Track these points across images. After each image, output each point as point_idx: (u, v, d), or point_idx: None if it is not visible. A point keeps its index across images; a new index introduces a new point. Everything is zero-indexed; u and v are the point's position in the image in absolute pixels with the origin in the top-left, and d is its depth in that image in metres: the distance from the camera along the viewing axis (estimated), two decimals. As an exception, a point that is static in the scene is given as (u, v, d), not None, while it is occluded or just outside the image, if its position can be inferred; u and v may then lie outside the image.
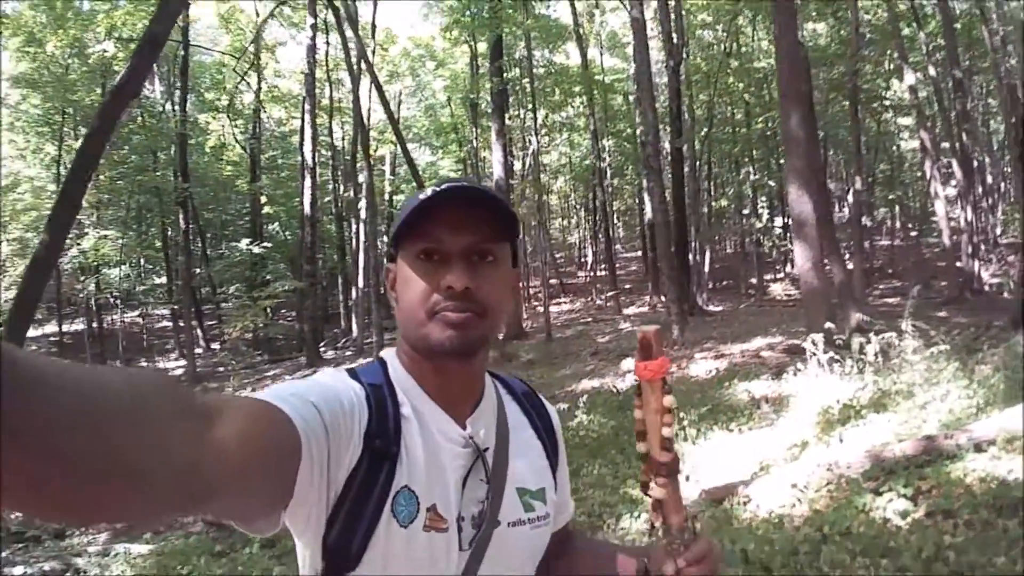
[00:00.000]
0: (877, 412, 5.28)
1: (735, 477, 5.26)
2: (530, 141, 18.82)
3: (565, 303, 25.15)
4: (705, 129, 19.50)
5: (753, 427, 6.55)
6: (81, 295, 22.35)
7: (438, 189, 0.94)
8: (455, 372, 1.00)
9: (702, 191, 21.36)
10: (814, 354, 7.00)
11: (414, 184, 16.74)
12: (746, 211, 20.91)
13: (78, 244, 19.31)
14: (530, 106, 19.66)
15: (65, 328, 23.70)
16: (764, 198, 19.24)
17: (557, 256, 32.42)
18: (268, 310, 26.09)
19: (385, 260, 1.07)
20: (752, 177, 20.33)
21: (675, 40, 17.14)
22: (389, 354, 1.05)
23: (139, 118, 21.05)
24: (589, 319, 19.94)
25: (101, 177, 19.90)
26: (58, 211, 7.47)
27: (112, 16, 16.56)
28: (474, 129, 23.36)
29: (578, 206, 33.91)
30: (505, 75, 18.84)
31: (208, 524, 6.50)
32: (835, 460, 4.67)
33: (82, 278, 21.55)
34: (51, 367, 0.49)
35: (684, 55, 18.25)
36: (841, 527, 3.79)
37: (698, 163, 20.63)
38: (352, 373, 0.99)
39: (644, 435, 0.98)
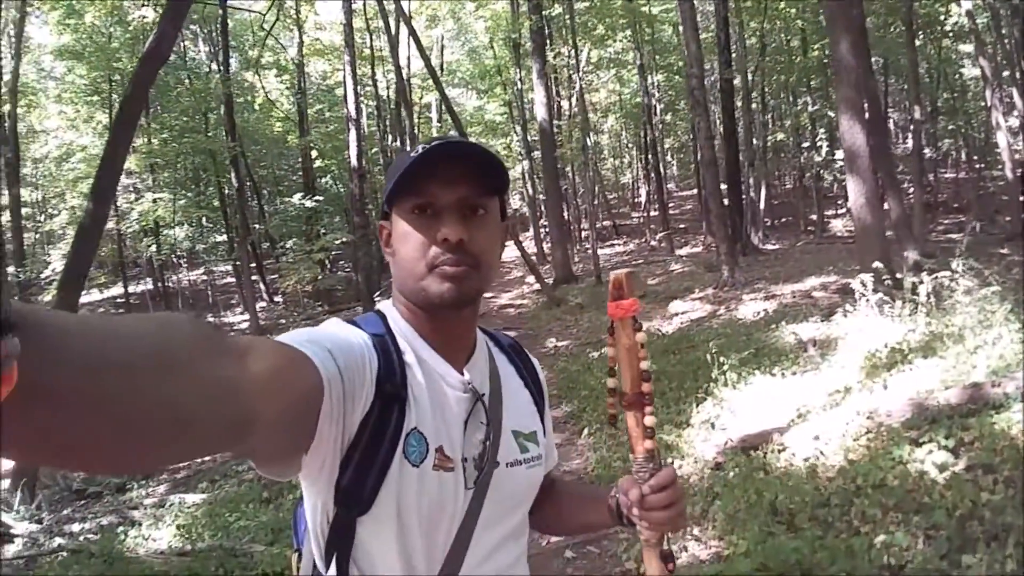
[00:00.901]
0: (925, 357, 5.00)
1: (772, 424, 5.09)
2: (575, 80, 18.28)
3: (618, 244, 24.79)
4: (757, 59, 18.56)
5: (797, 371, 6.32)
6: (144, 256, 23.06)
7: (429, 146, 0.97)
8: (451, 322, 1.06)
9: (756, 124, 20.47)
10: (863, 295, 6.68)
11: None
12: (805, 144, 19.95)
13: (136, 208, 19.84)
14: (575, 42, 19.04)
15: (131, 289, 24.52)
16: (823, 130, 18.26)
17: (610, 197, 31.86)
18: (327, 262, 26.59)
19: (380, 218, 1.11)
20: (810, 108, 19.36)
21: (719, -38, 16.29)
22: (386, 306, 1.10)
23: (187, 80, 21.27)
24: (641, 261, 19.61)
25: (155, 141, 20.29)
26: (100, 179, 7.57)
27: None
28: (518, 71, 22.84)
29: (630, 145, 33.09)
30: (546, 12, 18.27)
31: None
32: (875, 408, 4.46)
33: (144, 240, 22.20)
34: (71, 319, 0.49)
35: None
36: (875, 479, 3.62)
37: (752, 95, 19.73)
38: (353, 324, 1.04)
39: (614, 371, 1.06)
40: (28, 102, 22.78)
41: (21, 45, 19.98)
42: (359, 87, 20.48)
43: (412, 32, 13.80)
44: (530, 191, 25.40)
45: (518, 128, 25.66)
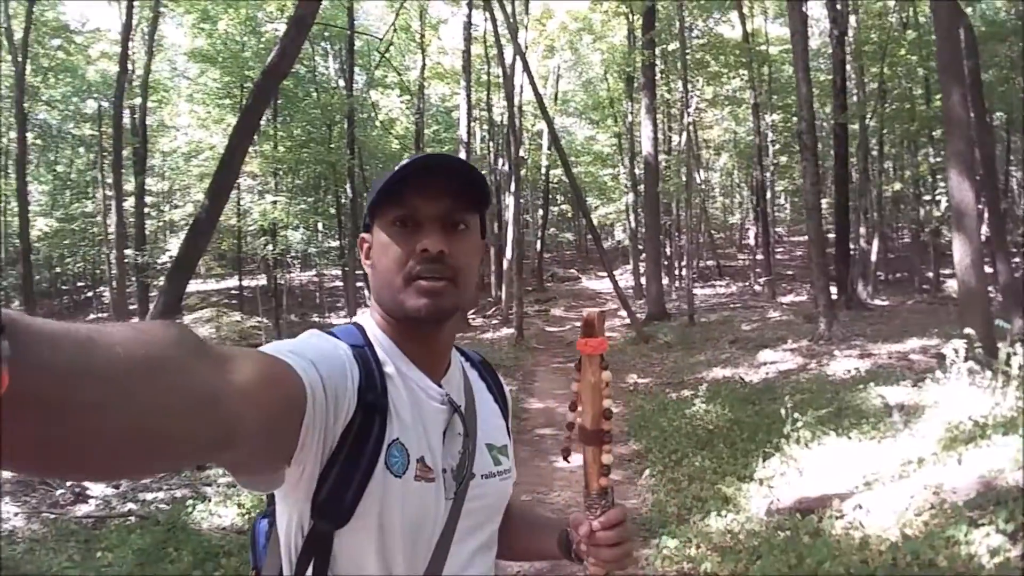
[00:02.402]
0: (1005, 434, 4.71)
1: (836, 488, 4.92)
2: (687, 114, 18.18)
3: (720, 286, 24.26)
4: (875, 105, 17.80)
5: (876, 436, 6.06)
6: (261, 254, 24.41)
7: (411, 159, 0.99)
8: (430, 335, 1.06)
9: (872, 172, 19.63)
10: (954, 362, 6.34)
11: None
12: (926, 197, 18.96)
13: (256, 208, 21.06)
14: (688, 78, 18.93)
15: (246, 283, 25.96)
16: (944, 183, 17.32)
17: (716, 236, 31.23)
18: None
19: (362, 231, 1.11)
20: (931, 160, 18.43)
21: (839, 7, 15.82)
22: (364, 318, 1.10)
23: (314, 94, 22.52)
24: (738, 305, 19.13)
25: (280, 148, 21.57)
26: (217, 180, 8.21)
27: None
28: (630, 104, 22.91)
29: (741, 184, 32.40)
30: (664, 47, 18.29)
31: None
32: (942, 483, 4.25)
33: (261, 238, 23.54)
34: (57, 327, 0.49)
35: (851, 23, 16.79)
36: (926, 558, 3.47)
37: (870, 142, 18.96)
38: (332, 335, 1.03)
39: (576, 406, 1.06)
40: (159, 98, 24.56)
41: (154, 44, 21.49)
42: (475, 111, 21.09)
43: (525, 65, 14.17)
44: (632, 224, 25.29)
45: (626, 160, 25.66)
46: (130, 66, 19.22)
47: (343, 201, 25.27)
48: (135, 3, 17.44)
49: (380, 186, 0.99)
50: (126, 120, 20.20)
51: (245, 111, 8.49)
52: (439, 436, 1.04)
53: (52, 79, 22.78)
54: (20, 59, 17.68)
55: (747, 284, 23.17)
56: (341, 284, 28.84)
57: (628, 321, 15.87)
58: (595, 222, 35.46)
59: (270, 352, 0.84)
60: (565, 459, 1.08)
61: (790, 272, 24.37)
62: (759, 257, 23.92)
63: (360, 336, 1.04)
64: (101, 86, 22.87)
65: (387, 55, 21.26)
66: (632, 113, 23.25)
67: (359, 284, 24.95)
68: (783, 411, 6.63)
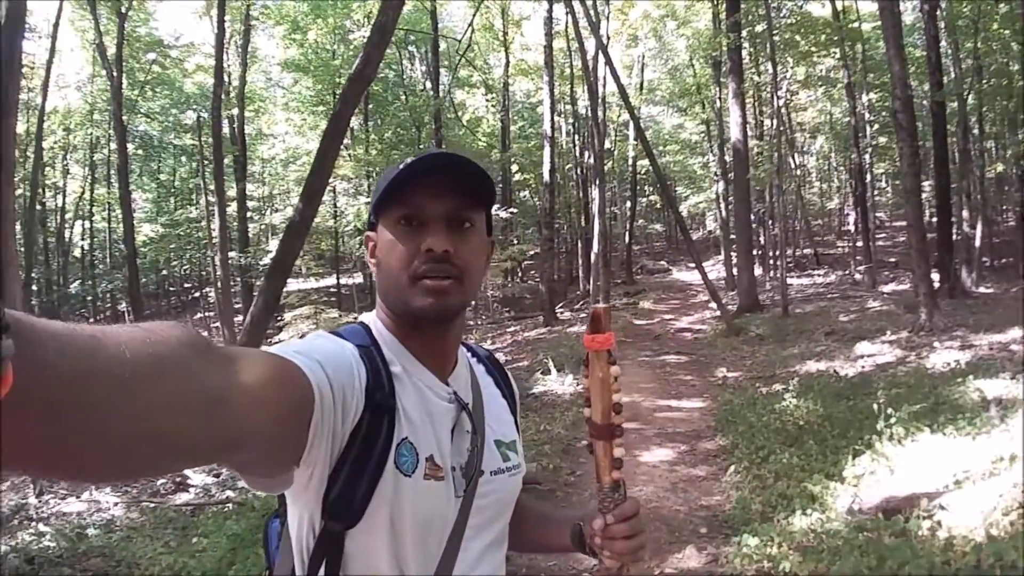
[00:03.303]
0: (1109, 431, 4.51)
1: (925, 487, 4.82)
2: (777, 97, 17.66)
3: (818, 275, 23.44)
4: (971, 81, 16.67)
5: (971, 433, 5.85)
6: (356, 253, 25.31)
7: (417, 158, 0.99)
8: (436, 334, 1.07)
9: (973, 152, 18.49)
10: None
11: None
12: (1036, 176, 17.72)
13: (351, 209, 21.87)
14: (777, 59, 18.33)
15: (343, 281, 26.95)
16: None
17: (814, 223, 30.17)
18: (518, 270, 27.61)
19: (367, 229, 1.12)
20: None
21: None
22: (370, 317, 1.10)
23: (402, 97, 23.15)
24: (836, 295, 18.48)
25: (372, 151, 22.30)
26: (310, 183, 8.53)
27: (367, 5, 18.35)
28: (717, 89, 22.42)
29: (839, 168, 31.12)
30: (750, 28, 17.82)
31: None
32: (1036, 483, 4.12)
33: (357, 238, 24.39)
34: (61, 327, 0.49)
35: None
36: (1008, 560, 3.40)
37: (969, 121, 17.88)
38: (337, 335, 1.03)
39: (590, 401, 1.06)
40: (256, 107, 25.79)
41: (247, 56, 22.50)
42: (559, 105, 21.17)
43: (607, 56, 14.15)
44: (723, 213, 24.80)
45: (715, 147, 25.15)
46: (226, 78, 20.26)
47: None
48: (226, 17, 18.34)
49: (384, 185, 0.99)
50: (225, 129, 21.34)
51: (333, 117, 8.82)
52: (447, 434, 1.04)
53: (149, 92, 24.24)
54: (115, 73, 18.86)
55: (846, 273, 22.30)
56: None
57: (718, 313, 15.64)
58: (685, 212, 35.09)
59: (277, 353, 0.84)
60: (590, 452, 1.08)
61: (892, 259, 23.27)
62: (858, 244, 22.96)
63: (366, 336, 1.05)
64: (199, 98, 24.25)
65: (467, 55, 21.62)
66: (720, 99, 22.73)
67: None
68: (876, 407, 6.49)
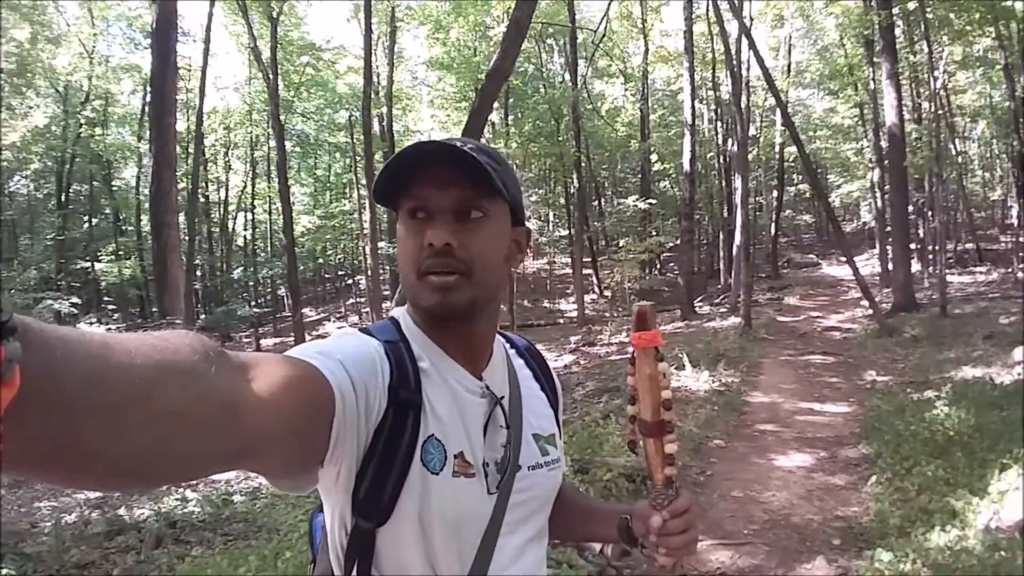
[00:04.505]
0: None
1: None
2: (934, 78, 16.27)
3: (980, 272, 21.46)
4: None
5: None
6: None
7: (414, 144, 0.95)
8: (462, 329, 1.03)
9: None
10: None
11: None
12: None
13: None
14: (931, 38, 16.83)
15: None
16: None
17: (976, 216, 27.51)
18: (656, 262, 27.25)
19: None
20: None
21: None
22: (400, 312, 1.08)
23: (542, 89, 23.37)
24: (997, 294, 16.87)
25: (513, 144, 22.69)
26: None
27: (505, 1, 18.62)
28: (871, 70, 20.93)
29: (1001, 155, 28.15)
30: (903, 5, 16.52)
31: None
32: None
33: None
34: (72, 332, 0.49)
35: None
36: None
37: None
38: (366, 332, 1.02)
39: (635, 399, 1.05)
40: (404, 105, 26.86)
41: (394, 56, 23.40)
42: (700, 91, 20.64)
43: (750, 40, 13.62)
44: (878, 203, 23.21)
45: (869, 132, 23.56)
46: (375, 78, 21.30)
47: (571, 191, 26.01)
48: (373, 19, 19.18)
49: (377, 177, 0.97)
50: (375, 127, 22.42)
51: (472, 112, 9.01)
52: (479, 430, 1.02)
53: (304, 93, 25.84)
54: (271, 76, 20.29)
55: (1008, 271, 20.28)
56: (570, 271, 29.78)
57: (870, 312, 14.73)
58: (837, 202, 33.12)
59: (296, 355, 0.83)
60: (632, 451, 1.07)
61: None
62: (1021, 239, 20.81)
63: (395, 331, 1.02)
64: (350, 97, 25.60)
65: (605, 44, 21.49)
66: (874, 80, 21.20)
67: (587, 272, 25.62)
68: (1030, 417, 5.97)
